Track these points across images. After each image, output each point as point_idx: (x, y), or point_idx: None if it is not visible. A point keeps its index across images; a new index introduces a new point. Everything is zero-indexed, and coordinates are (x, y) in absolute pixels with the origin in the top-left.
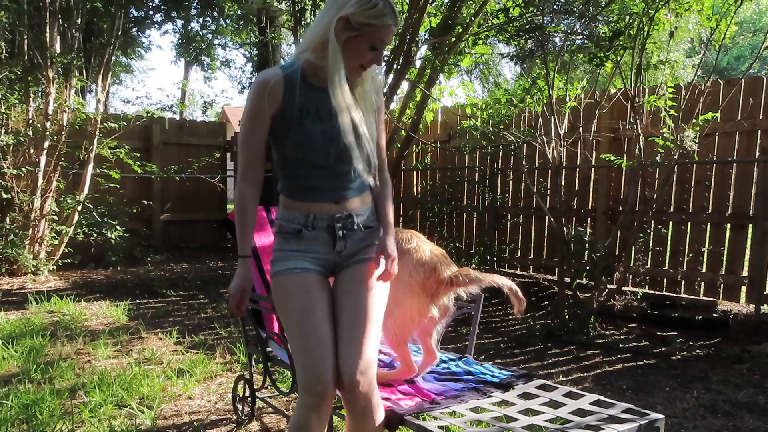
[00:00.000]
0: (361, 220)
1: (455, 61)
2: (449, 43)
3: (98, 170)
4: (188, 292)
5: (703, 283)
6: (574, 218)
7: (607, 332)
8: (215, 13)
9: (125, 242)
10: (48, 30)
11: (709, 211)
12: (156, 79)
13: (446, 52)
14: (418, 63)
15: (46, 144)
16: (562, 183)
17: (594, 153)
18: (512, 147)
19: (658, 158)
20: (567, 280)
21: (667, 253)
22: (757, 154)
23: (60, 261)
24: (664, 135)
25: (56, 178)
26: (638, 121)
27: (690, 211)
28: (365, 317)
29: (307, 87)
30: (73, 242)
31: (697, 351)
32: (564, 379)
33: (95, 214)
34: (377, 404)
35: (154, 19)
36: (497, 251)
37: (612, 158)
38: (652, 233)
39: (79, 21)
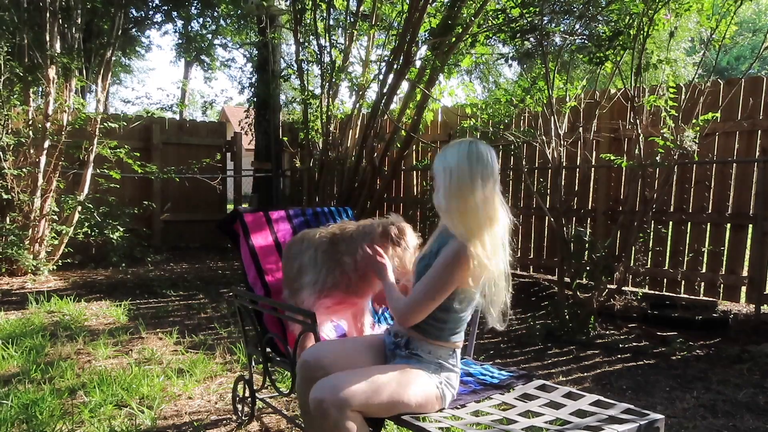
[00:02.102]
0: (411, 345)
1: (455, 61)
2: (449, 43)
3: (98, 170)
4: (188, 292)
5: (703, 283)
6: (574, 218)
7: (607, 332)
8: (215, 13)
9: (125, 242)
10: (48, 30)
11: (709, 211)
12: (156, 79)
13: (446, 52)
14: (418, 63)
15: (46, 144)
16: (562, 183)
17: (594, 153)
18: (512, 147)
19: (658, 158)
20: (567, 280)
21: (667, 253)
22: (757, 154)
23: (60, 261)
24: (664, 135)
25: (56, 178)
26: (638, 121)
27: (690, 211)
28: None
29: None
30: (73, 242)
31: (697, 351)
32: (564, 379)
33: (96, 214)
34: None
35: (154, 20)
36: None
37: (612, 158)
38: (652, 233)
39: (79, 21)
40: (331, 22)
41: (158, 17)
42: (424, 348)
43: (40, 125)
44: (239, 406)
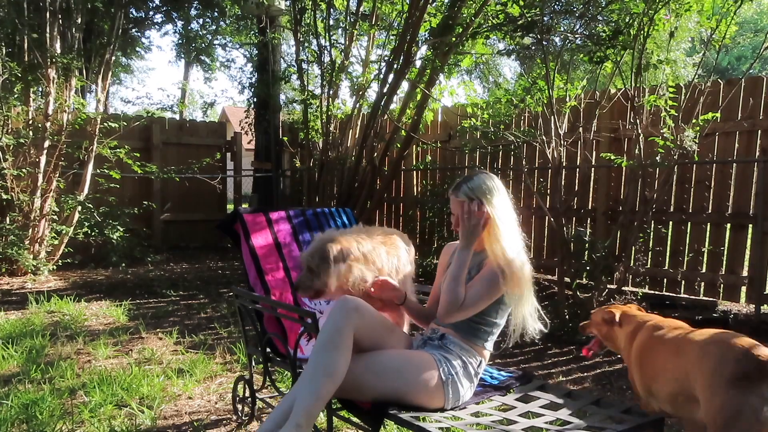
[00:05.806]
0: (445, 340)
1: (455, 61)
2: (449, 43)
3: (98, 170)
4: (188, 292)
5: (703, 283)
6: (574, 218)
7: None
8: (215, 14)
9: (125, 242)
10: (48, 30)
11: (709, 211)
12: (156, 79)
13: (446, 52)
14: (418, 63)
15: (46, 144)
16: (562, 183)
17: (594, 153)
18: (512, 147)
19: (658, 158)
20: (567, 280)
21: (667, 253)
22: (757, 154)
23: (60, 261)
24: (664, 135)
25: (56, 178)
26: (638, 121)
27: (690, 211)
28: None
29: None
30: (73, 242)
31: None
32: (564, 379)
33: (96, 214)
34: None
35: (154, 20)
36: None
37: (612, 158)
38: (652, 233)
39: (79, 21)
40: (331, 22)
41: (158, 17)
42: (456, 344)
43: (40, 125)
44: (239, 406)
